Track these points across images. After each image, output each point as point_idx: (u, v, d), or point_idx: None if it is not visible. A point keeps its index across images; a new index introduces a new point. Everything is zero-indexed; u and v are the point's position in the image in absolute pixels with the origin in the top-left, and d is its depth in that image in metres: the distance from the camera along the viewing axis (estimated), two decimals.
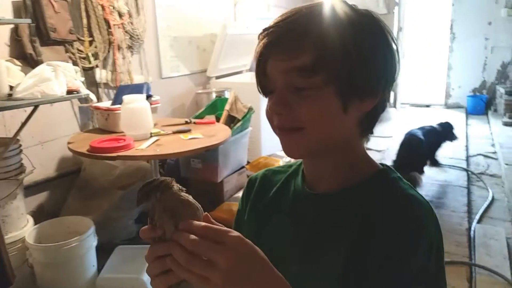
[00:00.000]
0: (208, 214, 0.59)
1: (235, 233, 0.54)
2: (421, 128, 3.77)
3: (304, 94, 0.64)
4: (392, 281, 0.60)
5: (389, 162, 4.39)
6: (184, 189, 0.59)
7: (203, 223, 0.55)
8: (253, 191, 0.85)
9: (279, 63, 0.64)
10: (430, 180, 3.87)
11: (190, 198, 0.59)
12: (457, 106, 7.06)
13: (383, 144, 4.84)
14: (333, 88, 0.63)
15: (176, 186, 0.59)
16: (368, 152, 0.75)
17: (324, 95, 0.63)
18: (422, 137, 3.62)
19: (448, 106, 7.19)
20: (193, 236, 0.53)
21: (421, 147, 3.60)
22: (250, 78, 4.59)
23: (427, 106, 7.35)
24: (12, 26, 2.41)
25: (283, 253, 0.71)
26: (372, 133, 0.72)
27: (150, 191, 0.57)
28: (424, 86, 7.43)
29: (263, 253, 0.57)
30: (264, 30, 0.67)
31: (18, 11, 2.44)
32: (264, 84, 0.69)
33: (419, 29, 7.81)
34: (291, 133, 0.67)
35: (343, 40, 0.62)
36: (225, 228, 0.55)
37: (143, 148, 2.21)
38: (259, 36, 0.68)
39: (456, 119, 6.35)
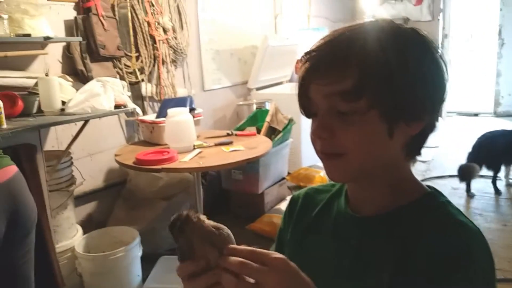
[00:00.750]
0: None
1: (279, 255, 0.55)
2: (503, 131, 3.84)
3: (348, 119, 0.63)
4: None
5: (435, 173, 4.25)
6: (203, 215, 0.60)
7: (248, 247, 0.55)
8: (296, 211, 0.84)
9: (322, 88, 0.64)
10: (479, 192, 3.71)
11: (216, 224, 0.59)
12: (508, 115, 6.75)
13: (429, 155, 4.71)
14: (378, 112, 0.62)
15: (198, 216, 0.59)
16: (413, 163, 0.72)
17: (368, 119, 0.62)
18: (501, 137, 3.69)
19: (497, 115, 6.88)
20: (240, 259, 0.53)
21: (498, 146, 3.63)
22: (290, 89, 4.60)
23: (475, 115, 7.08)
24: (64, 44, 2.54)
25: (325, 276, 0.69)
26: (419, 155, 0.70)
27: (181, 226, 0.58)
28: (472, 94, 7.17)
29: (307, 274, 0.57)
30: (306, 54, 0.66)
31: (70, 30, 2.56)
32: (307, 107, 0.68)
33: (465, 36, 7.56)
34: (333, 158, 0.66)
35: (387, 62, 0.60)
36: (268, 251, 0.55)
37: (187, 160, 2.25)
38: (301, 59, 0.67)
39: (506, 127, 6.08)
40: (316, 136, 0.66)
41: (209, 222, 0.59)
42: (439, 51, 0.65)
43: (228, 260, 0.54)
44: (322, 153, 0.67)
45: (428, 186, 0.72)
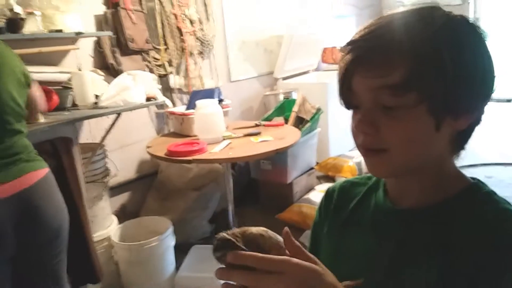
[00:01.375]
0: (288, 231, 0.57)
1: (295, 260, 0.53)
2: None
3: (393, 114, 0.60)
4: None
5: (467, 161, 4.15)
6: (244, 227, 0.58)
7: (260, 256, 0.53)
8: (332, 204, 0.83)
9: (367, 80, 0.60)
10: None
11: (258, 228, 0.58)
12: None
13: None
14: (426, 106, 0.59)
15: (236, 233, 0.57)
16: (458, 157, 0.70)
17: (415, 114, 0.59)
18: None
19: None
20: (248, 275, 0.52)
21: None
22: (316, 78, 4.56)
23: (508, 100, 6.86)
24: (95, 38, 2.59)
25: (366, 269, 0.69)
26: (464, 149, 0.67)
27: (225, 253, 0.55)
28: (504, 79, 6.94)
29: (343, 269, 0.56)
30: (349, 43, 0.62)
31: (99, 24, 2.61)
32: (349, 99, 0.65)
33: (498, 18, 7.29)
34: (376, 154, 0.63)
35: (438, 54, 0.57)
36: (283, 257, 0.53)
37: (216, 151, 2.28)
38: (342, 49, 0.64)
39: None
40: (360, 131, 0.63)
41: (249, 229, 0.57)
42: (487, 40, 0.62)
43: (234, 274, 0.53)
44: (364, 148, 0.65)
45: (472, 178, 0.70)
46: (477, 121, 0.64)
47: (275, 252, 0.55)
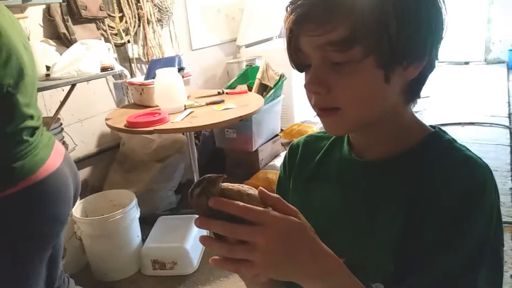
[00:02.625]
0: (263, 189, 0.56)
1: (278, 214, 0.53)
2: None
3: (342, 70, 0.59)
4: (457, 246, 0.58)
5: (427, 122, 4.26)
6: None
7: (242, 204, 0.52)
8: (297, 159, 0.83)
9: (313, 39, 0.60)
10: (470, 140, 3.75)
11: (238, 185, 0.56)
12: (498, 62, 6.73)
13: (421, 105, 4.71)
14: (373, 59, 0.58)
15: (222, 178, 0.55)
16: (414, 104, 0.71)
17: (362, 69, 0.59)
18: None
19: (488, 62, 6.86)
20: (227, 225, 0.51)
21: None
22: (280, 44, 4.52)
23: (466, 63, 7.04)
24: (44, 6, 2.45)
25: (332, 221, 0.70)
26: (419, 97, 0.68)
27: (207, 188, 0.53)
28: (462, 42, 7.09)
29: (310, 223, 0.56)
30: (292, 3, 0.62)
31: None
32: (298, 60, 0.65)
33: None
34: (330, 113, 0.63)
35: (381, 7, 0.56)
36: (266, 209, 0.53)
37: (178, 121, 2.24)
38: (286, 9, 0.63)
39: (497, 74, 6.07)
40: (311, 91, 0.63)
41: (230, 185, 0.55)
42: None
43: (215, 224, 0.52)
44: (318, 108, 0.64)
45: (431, 126, 0.71)
46: (430, 67, 0.65)
47: (255, 203, 0.53)
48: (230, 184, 0.56)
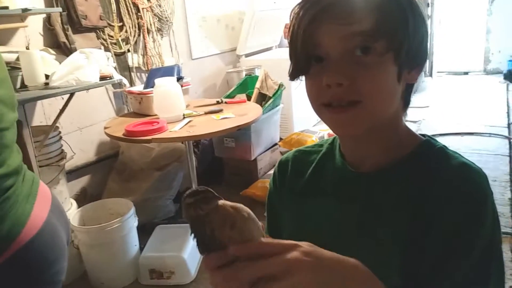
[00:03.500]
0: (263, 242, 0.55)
1: (303, 243, 0.52)
2: None
3: (365, 62, 0.60)
4: (464, 254, 0.58)
5: (426, 132, 4.26)
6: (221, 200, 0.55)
7: (266, 241, 0.52)
8: (288, 174, 0.82)
9: (339, 28, 0.59)
10: (469, 150, 3.75)
11: (233, 204, 0.55)
12: (497, 72, 6.75)
13: (420, 115, 4.73)
14: (392, 55, 0.60)
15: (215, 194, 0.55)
16: (405, 116, 0.72)
17: (384, 63, 0.60)
18: None
19: (487, 72, 6.89)
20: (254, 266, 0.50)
21: None
22: (279, 54, 4.54)
23: (465, 73, 7.07)
24: (44, 15, 2.47)
25: (333, 236, 0.68)
26: (409, 106, 0.71)
27: (198, 204, 0.53)
28: (462, 53, 7.12)
29: (310, 239, 0.55)
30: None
31: (49, 0, 2.49)
32: (308, 54, 0.63)
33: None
34: (348, 108, 0.61)
35: (401, 6, 0.61)
36: (290, 242, 0.52)
37: (176, 130, 2.24)
38: (298, 7, 0.63)
39: (496, 85, 6.09)
40: (334, 82, 0.60)
41: (226, 202, 0.54)
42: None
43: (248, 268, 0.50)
44: (336, 101, 0.62)
45: (421, 134, 0.71)
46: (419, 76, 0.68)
47: (252, 226, 0.53)
48: (227, 202, 0.55)
